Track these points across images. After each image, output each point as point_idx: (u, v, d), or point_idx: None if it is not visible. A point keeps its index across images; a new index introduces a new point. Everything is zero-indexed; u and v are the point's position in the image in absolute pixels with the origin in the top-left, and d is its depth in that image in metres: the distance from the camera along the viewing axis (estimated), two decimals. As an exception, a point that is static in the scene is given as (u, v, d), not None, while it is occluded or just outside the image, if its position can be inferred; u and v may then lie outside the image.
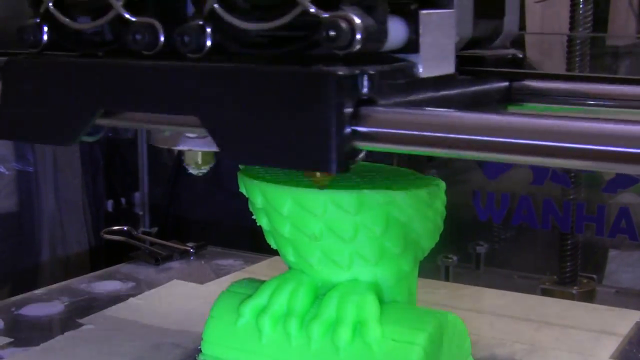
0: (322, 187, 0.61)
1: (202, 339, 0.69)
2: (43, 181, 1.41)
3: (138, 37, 0.54)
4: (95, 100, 0.56)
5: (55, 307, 0.88)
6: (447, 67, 0.55)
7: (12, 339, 0.79)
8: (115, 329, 0.81)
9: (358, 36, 0.48)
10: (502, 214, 1.16)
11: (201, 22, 0.52)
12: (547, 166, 0.46)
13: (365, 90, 0.49)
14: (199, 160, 0.65)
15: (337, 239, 0.64)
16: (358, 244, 0.64)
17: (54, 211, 1.42)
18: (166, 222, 1.52)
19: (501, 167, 1.16)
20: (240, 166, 0.66)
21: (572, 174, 1.11)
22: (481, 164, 1.19)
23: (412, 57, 0.53)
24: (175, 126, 0.57)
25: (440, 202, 0.67)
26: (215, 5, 0.51)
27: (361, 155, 0.49)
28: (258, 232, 0.70)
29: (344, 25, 0.48)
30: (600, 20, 1.34)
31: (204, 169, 0.65)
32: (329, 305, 0.65)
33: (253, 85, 0.50)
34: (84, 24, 0.57)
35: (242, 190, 0.68)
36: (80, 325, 0.83)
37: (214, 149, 0.62)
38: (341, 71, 0.48)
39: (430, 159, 1.24)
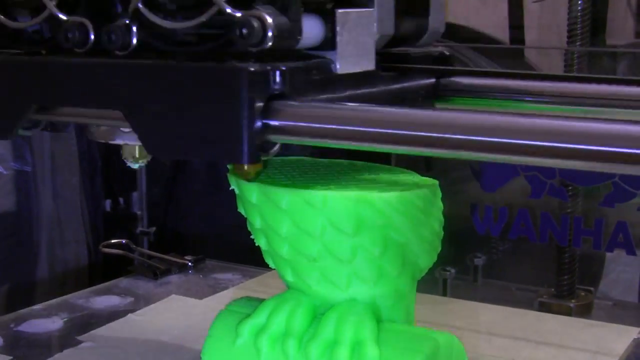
0: (249, 180, 0.63)
1: (200, 358, 0.69)
2: (41, 181, 1.41)
3: (69, 35, 0.57)
4: (30, 95, 0.59)
5: (54, 324, 0.88)
6: (367, 64, 0.57)
7: (11, 357, 0.80)
8: (114, 347, 0.81)
9: (269, 33, 0.51)
10: (500, 227, 1.16)
11: (127, 21, 0.55)
12: (457, 158, 0.48)
13: (276, 85, 0.51)
14: (136, 154, 0.67)
15: (335, 260, 0.64)
16: (356, 265, 0.64)
17: (52, 211, 1.42)
18: (165, 221, 1.51)
19: (499, 180, 1.16)
20: (237, 186, 0.67)
21: (570, 188, 1.11)
22: (479, 176, 1.19)
23: (329, 54, 0.55)
24: (103, 121, 0.60)
25: (438, 222, 0.67)
26: (139, 5, 0.54)
27: (275, 147, 0.52)
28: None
29: (255, 23, 0.51)
30: (599, 20, 1.34)
31: (142, 163, 0.67)
32: (327, 325, 0.65)
33: (173, 81, 0.53)
34: (21, 23, 0.60)
35: (241, 210, 0.68)
36: (79, 342, 0.83)
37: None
38: (252, 67, 0.51)
39: (427, 168, 1.24)
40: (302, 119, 0.51)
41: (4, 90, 0.60)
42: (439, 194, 0.67)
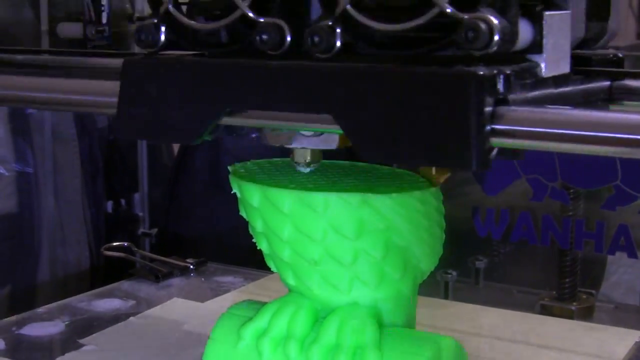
0: (436, 184, 0.64)
1: (202, 361, 0.69)
2: (43, 182, 1.41)
3: (265, 36, 0.55)
4: (222, 99, 0.57)
5: (56, 327, 0.88)
6: (564, 67, 0.57)
7: (13, 360, 0.80)
8: (115, 350, 0.81)
9: (496, 37, 0.49)
10: (502, 230, 1.15)
11: (331, 23, 0.53)
12: None
13: (501, 89, 0.50)
14: (308, 158, 0.66)
15: (336, 263, 0.64)
16: (358, 269, 0.65)
17: (53, 212, 1.43)
18: (166, 222, 1.52)
19: (500, 183, 1.16)
20: (238, 189, 0.67)
21: (572, 191, 1.11)
22: (480, 179, 1.19)
23: (536, 58, 0.54)
24: (301, 124, 0.58)
25: (439, 226, 0.67)
26: (348, 6, 0.52)
27: (493, 152, 0.51)
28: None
29: (483, 26, 0.49)
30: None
31: (313, 167, 0.67)
32: (329, 329, 0.65)
33: (391, 86, 0.51)
34: (209, 25, 0.58)
35: (242, 213, 0.68)
36: (81, 345, 0.83)
37: (327, 146, 0.64)
38: (482, 71, 0.49)
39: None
40: (526, 123, 0.50)
41: (192, 92, 0.58)
42: (441, 198, 0.67)
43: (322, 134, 0.62)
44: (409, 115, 0.51)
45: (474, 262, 1.26)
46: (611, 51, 0.67)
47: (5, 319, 0.90)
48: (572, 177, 1.10)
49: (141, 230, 1.52)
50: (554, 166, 1.09)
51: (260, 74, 0.56)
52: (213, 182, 1.44)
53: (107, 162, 1.52)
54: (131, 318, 0.90)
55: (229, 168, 0.68)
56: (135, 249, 1.12)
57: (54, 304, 0.95)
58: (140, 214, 1.54)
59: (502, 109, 0.50)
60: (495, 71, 0.50)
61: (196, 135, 0.58)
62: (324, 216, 0.63)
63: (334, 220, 0.63)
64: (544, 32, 0.54)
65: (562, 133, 0.49)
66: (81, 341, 0.84)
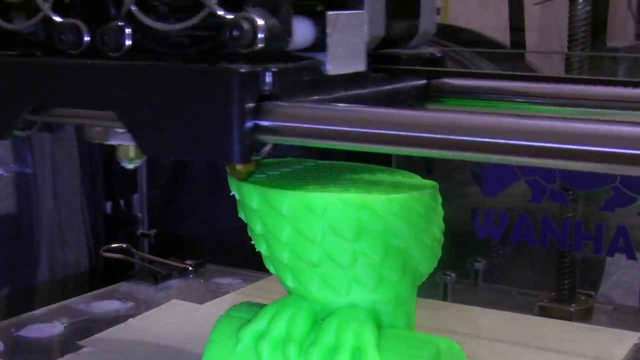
0: (240, 179, 0.63)
1: (201, 363, 0.69)
2: (42, 183, 1.41)
3: (64, 37, 0.58)
4: (24, 96, 0.60)
5: (55, 328, 0.88)
6: (358, 65, 0.58)
7: (12, 362, 0.80)
8: (114, 352, 0.81)
9: (260, 35, 0.52)
10: (501, 231, 1.16)
11: (121, 23, 0.56)
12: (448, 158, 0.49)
13: (267, 87, 0.52)
14: (131, 154, 0.67)
15: (335, 266, 0.64)
16: (356, 271, 0.65)
17: (52, 213, 1.42)
18: (165, 224, 1.52)
19: (499, 185, 1.16)
20: (238, 191, 0.67)
21: (571, 192, 1.11)
22: (479, 181, 1.19)
23: (320, 56, 0.56)
24: (98, 121, 0.61)
25: (438, 228, 0.67)
26: (132, 7, 0.55)
27: (267, 148, 0.53)
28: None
29: (246, 25, 0.51)
30: (599, 22, 1.34)
31: (137, 163, 0.67)
32: (328, 331, 0.65)
33: (165, 82, 0.54)
34: (16, 25, 0.61)
35: (241, 215, 0.68)
36: (80, 347, 0.83)
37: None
38: (243, 68, 0.51)
39: (428, 172, 1.24)
40: (292, 119, 0.52)
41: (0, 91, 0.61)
42: (440, 200, 0.67)
43: None
44: (181, 110, 0.53)
45: (473, 263, 1.26)
46: (428, 50, 0.68)
47: (4, 321, 0.90)
48: (571, 179, 1.10)
49: (140, 231, 1.52)
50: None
51: (56, 72, 0.59)
52: (212, 183, 1.44)
53: (105, 162, 1.52)
54: (130, 320, 0.90)
55: (227, 168, 0.68)
56: (134, 250, 1.12)
57: (53, 306, 0.95)
58: (139, 214, 1.54)
59: (268, 105, 0.52)
60: (259, 68, 0.52)
61: (4, 131, 0.61)
62: (323, 218, 0.63)
63: (333, 222, 0.63)
64: (328, 31, 0.55)
65: (327, 129, 0.51)
66: (80, 343, 0.84)
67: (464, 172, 1.23)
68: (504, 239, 1.17)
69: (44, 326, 0.89)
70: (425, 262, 0.67)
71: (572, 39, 1.10)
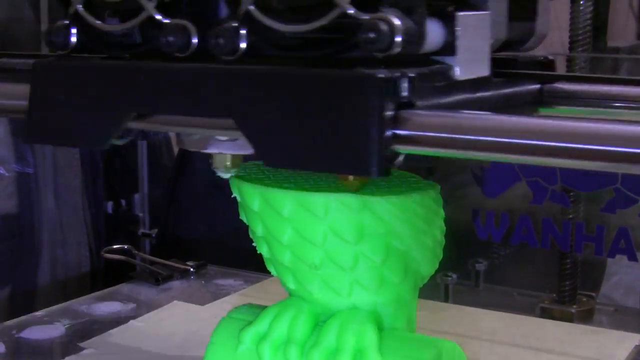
0: (353, 190, 0.62)
1: (202, 365, 0.69)
2: (43, 183, 1.41)
3: (171, 39, 0.53)
4: (127, 103, 0.55)
5: (56, 330, 0.88)
6: (483, 70, 0.54)
7: (13, 364, 0.80)
8: (115, 353, 0.81)
9: (398, 38, 0.47)
10: (502, 232, 1.16)
11: (236, 24, 0.51)
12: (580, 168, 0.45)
13: (405, 93, 0.48)
14: (228, 163, 0.64)
15: (337, 268, 0.64)
16: (358, 273, 0.65)
17: (53, 213, 1.42)
18: (166, 224, 1.52)
19: (500, 186, 1.16)
20: (239, 193, 0.67)
21: (572, 194, 1.11)
22: (480, 182, 1.19)
23: (448, 60, 0.52)
24: (208, 129, 0.56)
25: (439, 230, 0.67)
26: (251, 7, 0.51)
27: (400, 158, 0.49)
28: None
29: (383, 27, 0.47)
30: (600, 22, 1.34)
31: (233, 172, 0.64)
32: (329, 333, 0.65)
33: (291, 88, 0.49)
34: (114, 26, 0.56)
35: (242, 217, 0.68)
36: (81, 349, 0.83)
37: (244, 151, 0.61)
38: (382, 74, 0.47)
39: (429, 173, 1.24)
40: (432, 128, 0.47)
41: (99, 96, 0.56)
42: (441, 202, 0.67)
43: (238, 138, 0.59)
44: (308, 118, 0.48)
45: (474, 264, 1.26)
46: (542, 53, 0.66)
47: (5, 322, 0.90)
48: (572, 180, 1.10)
49: (141, 231, 1.52)
50: (554, 169, 1.09)
51: (163, 77, 0.54)
52: (213, 183, 1.44)
53: (107, 162, 1.52)
54: (131, 321, 0.90)
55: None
56: (136, 251, 1.12)
57: (54, 307, 0.95)
58: (141, 214, 1.54)
59: (406, 113, 0.47)
60: (397, 73, 0.48)
61: (103, 140, 0.56)
62: (325, 220, 0.63)
63: (334, 223, 0.63)
64: (457, 33, 0.52)
65: (468, 139, 0.46)
66: (81, 344, 0.84)
67: (465, 173, 1.23)
68: (505, 240, 1.17)
69: (45, 328, 0.89)
70: (427, 264, 0.67)
71: (574, 39, 1.10)
